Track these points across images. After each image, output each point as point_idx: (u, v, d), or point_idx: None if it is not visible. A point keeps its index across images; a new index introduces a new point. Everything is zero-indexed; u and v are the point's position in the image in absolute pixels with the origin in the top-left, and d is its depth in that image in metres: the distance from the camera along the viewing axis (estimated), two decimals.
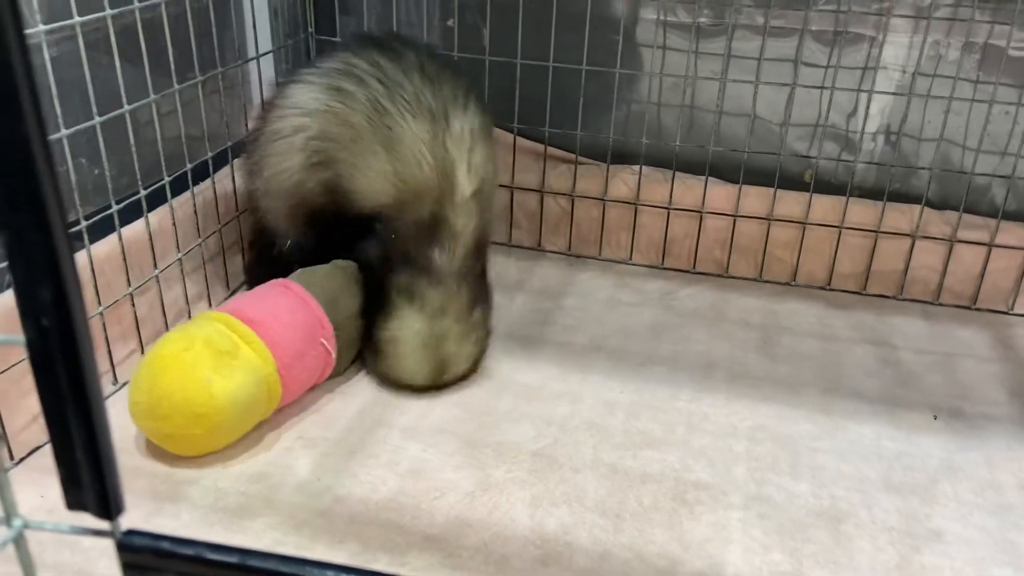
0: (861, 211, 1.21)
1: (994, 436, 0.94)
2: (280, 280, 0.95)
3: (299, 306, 0.92)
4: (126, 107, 0.93)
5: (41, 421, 0.36)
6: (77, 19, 0.85)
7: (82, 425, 0.36)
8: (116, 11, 0.90)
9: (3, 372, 0.82)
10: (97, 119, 0.89)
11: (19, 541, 0.39)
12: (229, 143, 1.16)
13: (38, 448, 0.85)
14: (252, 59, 1.18)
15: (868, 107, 1.20)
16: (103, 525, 0.38)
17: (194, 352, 0.82)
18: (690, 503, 0.82)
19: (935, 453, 0.91)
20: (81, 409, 0.36)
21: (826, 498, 0.84)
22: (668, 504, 0.82)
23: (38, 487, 0.79)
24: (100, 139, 0.90)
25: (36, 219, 0.32)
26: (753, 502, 0.83)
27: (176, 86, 1.01)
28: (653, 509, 0.81)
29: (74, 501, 0.38)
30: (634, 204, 1.27)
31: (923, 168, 1.21)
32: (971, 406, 0.99)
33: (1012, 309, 1.20)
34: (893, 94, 1.18)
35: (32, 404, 0.83)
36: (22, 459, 0.84)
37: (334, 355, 0.94)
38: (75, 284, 0.34)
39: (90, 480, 0.37)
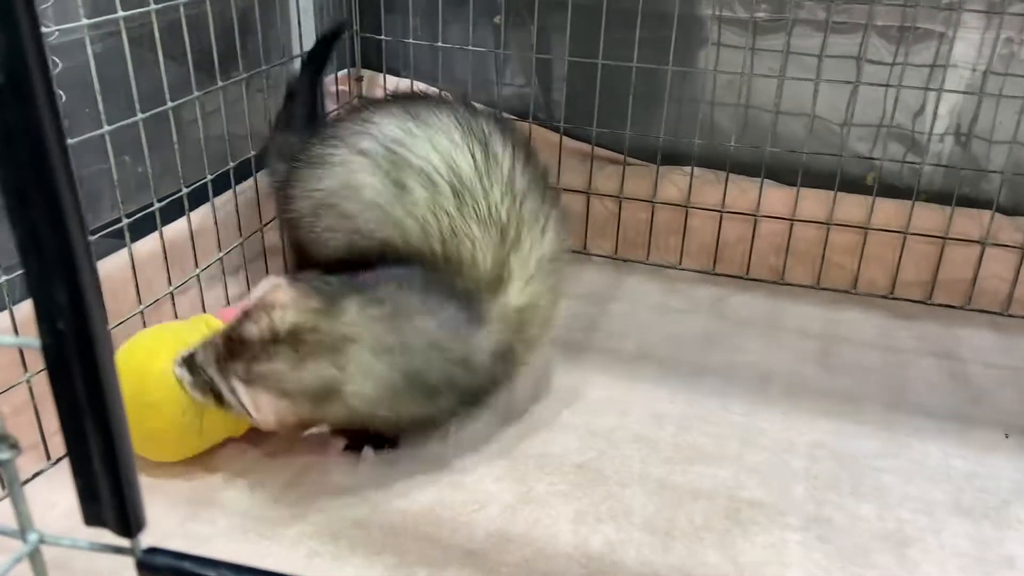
0: (927, 216, 1.15)
1: None
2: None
3: None
4: (169, 104, 0.91)
5: None
6: (120, 13, 0.84)
7: (100, 436, 0.34)
8: (160, 6, 0.89)
9: (41, 371, 0.81)
10: (140, 116, 0.88)
11: (34, 556, 0.37)
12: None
13: None
14: (296, 56, 1.16)
15: (937, 106, 1.14)
16: (123, 542, 0.36)
17: (159, 343, 0.81)
18: (744, 523, 0.78)
19: (1006, 474, 0.85)
20: (99, 418, 0.33)
21: (891, 521, 0.79)
22: (721, 523, 0.78)
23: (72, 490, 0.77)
24: (143, 136, 0.89)
25: (50, 215, 0.29)
26: (812, 523, 0.78)
27: (220, 83, 0.99)
28: (704, 528, 0.77)
29: (92, 516, 0.36)
30: (685, 207, 1.23)
31: (994, 172, 1.14)
32: None
33: None
34: (963, 93, 1.12)
35: None
36: (59, 459, 0.83)
37: None
38: (93, 285, 0.31)
39: (108, 494, 0.35)
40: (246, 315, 0.76)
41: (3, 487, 0.79)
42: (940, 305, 1.17)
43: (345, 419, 0.79)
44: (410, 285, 0.82)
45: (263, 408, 0.74)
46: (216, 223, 1.03)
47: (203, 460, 0.84)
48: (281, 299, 0.76)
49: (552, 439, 0.89)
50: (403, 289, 0.81)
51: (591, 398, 0.96)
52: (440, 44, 1.27)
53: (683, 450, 0.88)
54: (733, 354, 1.05)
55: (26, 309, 0.81)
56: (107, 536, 0.36)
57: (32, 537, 0.36)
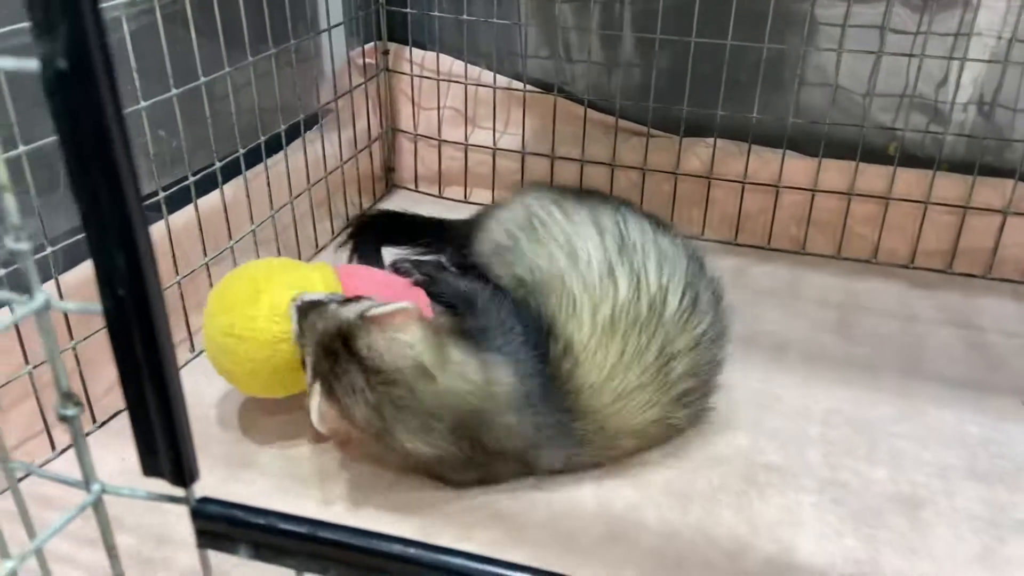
0: (949, 186, 1.16)
1: None
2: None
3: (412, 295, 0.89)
4: (202, 79, 0.94)
5: None
6: None
7: (157, 393, 0.37)
8: None
9: (87, 338, 0.84)
10: (174, 91, 0.91)
11: (97, 505, 0.40)
12: (302, 115, 1.17)
13: (119, 413, 0.88)
14: (324, 31, 1.18)
15: (960, 76, 1.14)
16: (178, 492, 0.39)
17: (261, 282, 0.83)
18: (760, 485, 0.81)
19: (1022, 440, 0.87)
20: (156, 377, 0.36)
21: (904, 484, 0.81)
22: (737, 486, 0.80)
23: (119, 451, 0.81)
24: (177, 111, 0.92)
25: (110, 187, 0.32)
26: (827, 486, 0.80)
27: (250, 58, 1.02)
28: (722, 490, 0.80)
29: (150, 468, 0.39)
30: (707, 178, 1.24)
31: (1018, 141, 1.14)
32: None
33: None
34: (987, 62, 1.12)
35: (114, 370, 0.86)
36: (104, 423, 0.88)
37: None
38: (149, 253, 0.34)
39: (165, 448, 0.38)
40: (370, 320, 0.74)
41: (52, 448, 0.83)
42: (961, 274, 1.18)
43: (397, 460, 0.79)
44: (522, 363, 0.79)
45: (322, 417, 0.74)
46: (248, 195, 1.06)
47: (239, 425, 0.87)
48: (408, 337, 0.74)
49: None
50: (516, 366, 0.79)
51: None
52: (465, 17, 1.28)
53: (701, 416, 0.90)
54: (752, 323, 1.06)
55: (69, 278, 0.85)
56: (164, 487, 0.39)
57: (96, 487, 0.39)
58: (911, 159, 1.18)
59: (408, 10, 1.32)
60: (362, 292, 0.82)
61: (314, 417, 0.74)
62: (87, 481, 0.39)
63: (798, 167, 1.21)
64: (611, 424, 0.79)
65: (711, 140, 1.24)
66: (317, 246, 1.23)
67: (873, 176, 1.18)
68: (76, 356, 0.83)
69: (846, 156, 1.18)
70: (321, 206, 1.25)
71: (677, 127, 1.25)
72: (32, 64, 0.29)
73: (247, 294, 0.82)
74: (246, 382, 0.85)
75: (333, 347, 0.74)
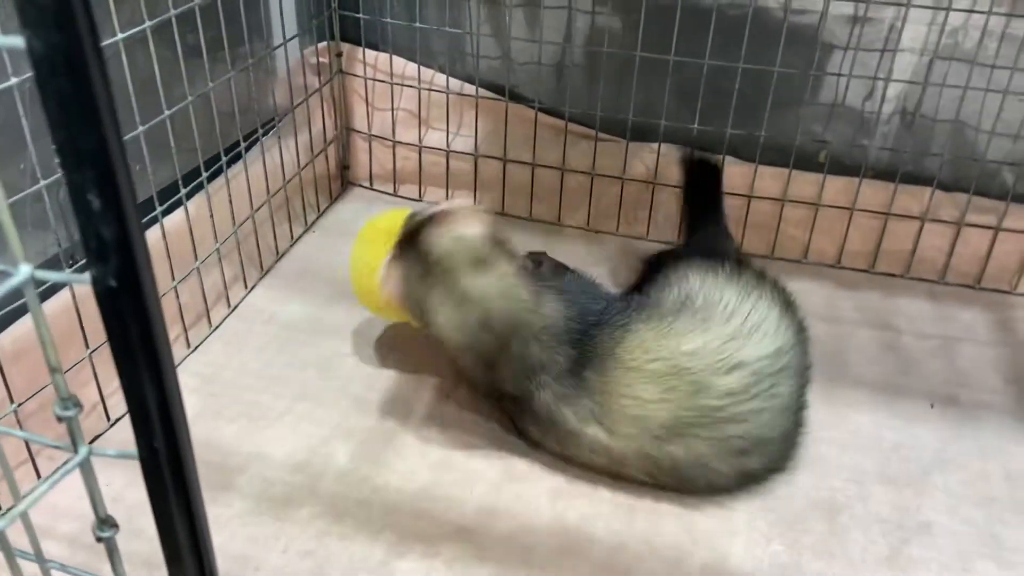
0: (873, 192, 1.25)
1: (986, 425, 1.00)
2: None
3: None
4: (166, 112, 0.96)
5: None
6: (148, 23, 0.88)
7: (185, 518, 0.42)
8: (179, 10, 0.93)
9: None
10: (141, 128, 0.93)
11: (85, 465, 0.42)
12: (259, 123, 1.19)
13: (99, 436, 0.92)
14: (280, 46, 1.20)
15: (885, 91, 1.22)
16: None
17: None
18: (698, 496, 0.89)
19: (930, 444, 0.97)
20: (184, 504, 0.42)
21: (825, 490, 0.91)
22: (678, 497, 0.89)
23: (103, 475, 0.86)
24: (143, 143, 0.94)
25: (158, 387, 0.37)
26: (758, 494, 0.90)
27: (210, 82, 1.04)
28: (665, 501, 0.88)
29: (176, 573, 0.45)
30: (652, 183, 1.30)
31: (935, 154, 1.23)
32: (967, 394, 1.05)
33: (1015, 289, 1.24)
34: (909, 82, 1.20)
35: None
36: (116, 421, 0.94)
37: None
38: (185, 429, 0.39)
39: (190, 557, 0.44)
40: (435, 216, 0.89)
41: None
42: (882, 274, 1.28)
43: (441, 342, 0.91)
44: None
45: (386, 282, 0.89)
46: (211, 212, 1.09)
47: (218, 448, 0.93)
48: (467, 231, 0.88)
49: None
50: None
51: None
52: (418, 25, 1.31)
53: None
54: None
55: None
56: None
57: (83, 449, 0.40)
58: (839, 167, 1.26)
59: (361, 15, 1.33)
60: None
61: (381, 277, 0.89)
62: (75, 443, 0.41)
63: (736, 173, 1.28)
64: (619, 411, 0.85)
65: (655, 145, 1.30)
66: (278, 252, 1.27)
67: (804, 183, 1.26)
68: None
69: (780, 163, 1.26)
70: (280, 210, 1.28)
71: (624, 131, 1.30)
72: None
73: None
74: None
75: (406, 241, 0.89)
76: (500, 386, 0.91)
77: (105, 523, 0.43)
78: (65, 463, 0.40)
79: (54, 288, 0.90)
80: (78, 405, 0.40)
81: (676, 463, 0.85)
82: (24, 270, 0.35)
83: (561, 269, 1.13)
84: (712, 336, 0.87)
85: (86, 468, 0.41)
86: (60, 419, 0.39)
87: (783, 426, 0.88)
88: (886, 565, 0.82)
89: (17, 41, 0.30)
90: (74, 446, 0.41)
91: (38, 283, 0.36)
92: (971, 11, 1.14)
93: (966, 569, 0.82)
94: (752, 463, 0.88)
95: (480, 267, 0.87)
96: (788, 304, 0.96)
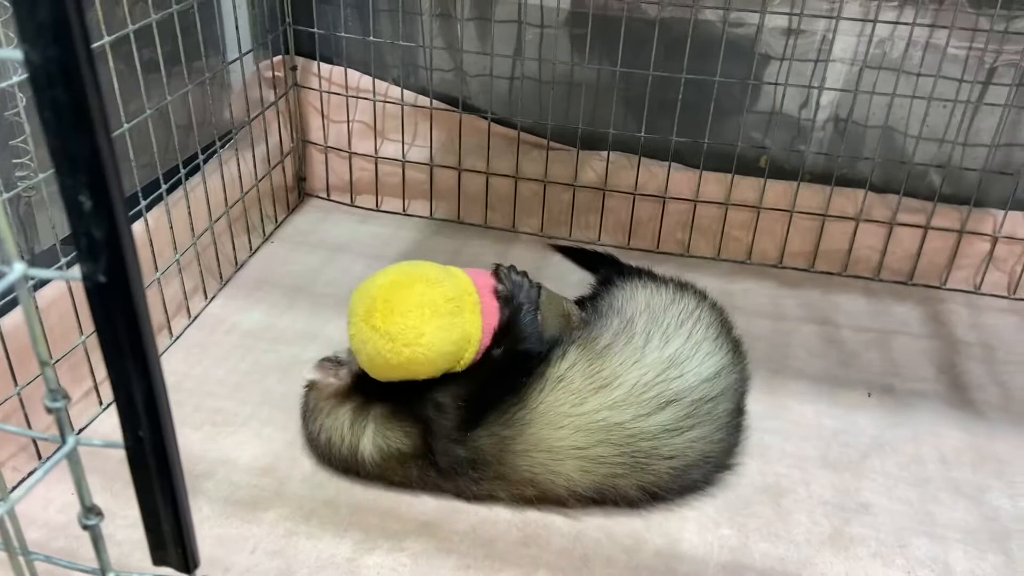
0: (810, 195, 1.31)
1: (920, 412, 1.06)
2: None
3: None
4: (125, 126, 0.98)
5: None
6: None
7: (170, 506, 0.45)
8: (137, 26, 0.95)
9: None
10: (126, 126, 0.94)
11: (72, 456, 0.45)
12: (216, 136, 1.21)
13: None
14: (235, 60, 1.22)
15: (819, 99, 1.28)
16: None
17: (428, 296, 0.88)
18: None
19: (867, 430, 1.03)
20: (168, 492, 0.45)
21: (770, 475, 0.96)
22: None
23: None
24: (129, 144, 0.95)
25: (146, 387, 0.40)
26: (707, 481, 0.94)
27: (166, 90, 1.05)
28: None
29: (159, 559, 0.47)
30: (602, 189, 1.35)
31: (866, 158, 1.30)
32: (902, 383, 1.11)
33: (944, 284, 1.31)
34: (841, 90, 1.27)
35: None
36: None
37: None
38: (165, 398, 0.42)
39: (173, 545, 0.46)
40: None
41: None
42: (821, 272, 1.34)
43: None
44: None
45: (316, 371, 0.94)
46: (171, 224, 1.10)
47: (185, 455, 0.94)
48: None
49: None
50: None
51: None
52: (372, 39, 1.34)
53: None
54: None
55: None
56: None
57: (71, 440, 0.43)
58: (778, 172, 1.33)
59: (315, 30, 1.36)
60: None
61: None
62: (63, 435, 0.42)
63: (682, 179, 1.33)
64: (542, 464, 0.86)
65: (604, 154, 1.35)
66: (237, 263, 1.29)
67: (746, 187, 1.32)
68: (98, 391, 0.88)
69: (723, 169, 1.32)
70: (238, 221, 1.30)
71: (574, 140, 1.35)
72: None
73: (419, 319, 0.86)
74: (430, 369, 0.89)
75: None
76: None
77: (91, 511, 0.45)
78: (55, 452, 0.42)
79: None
80: (66, 397, 0.42)
81: (610, 498, 0.88)
82: (18, 268, 0.37)
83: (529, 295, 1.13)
84: (646, 368, 0.87)
85: (73, 458, 0.44)
86: (49, 410, 0.41)
87: (722, 441, 0.91)
88: (828, 543, 0.87)
89: (15, 54, 0.33)
90: (61, 436, 0.43)
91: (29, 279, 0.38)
92: (897, 23, 1.21)
93: (902, 545, 0.88)
94: (693, 476, 0.90)
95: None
96: (724, 323, 1.00)
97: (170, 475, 0.44)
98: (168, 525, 0.46)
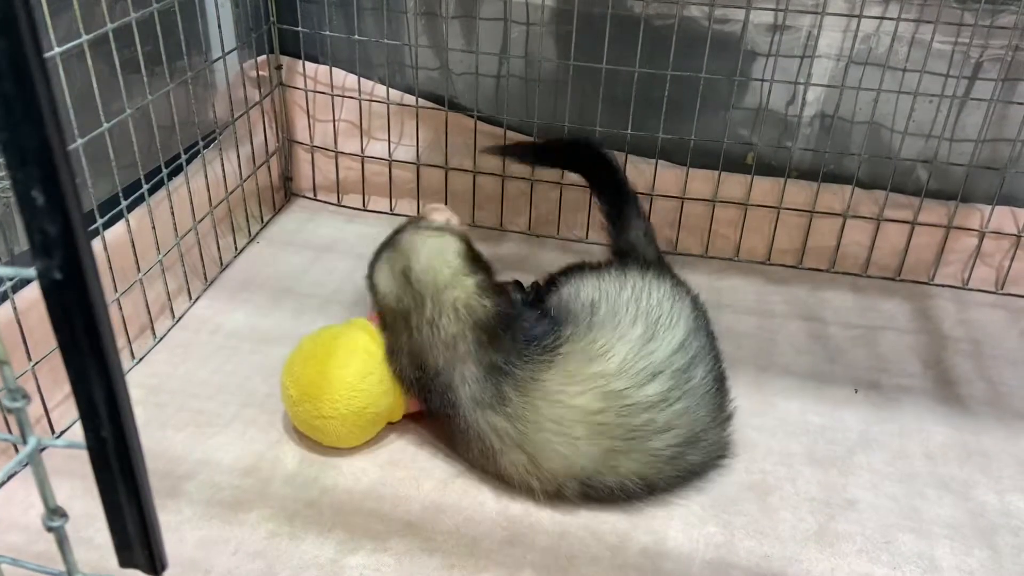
0: (797, 192, 1.31)
1: (906, 408, 1.06)
2: None
3: None
4: (104, 125, 0.97)
5: None
6: (85, 37, 0.89)
7: (133, 503, 0.44)
8: (117, 24, 0.94)
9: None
10: (80, 142, 0.94)
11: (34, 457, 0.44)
12: (199, 136, 1.20)
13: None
14: (218, 59, 1.21)
15: (805, 95, 1.28)
16: None
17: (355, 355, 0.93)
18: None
19: (854, 426, 1.03)
20: (132, 492, 0.44)
21: (757, 473, 0.95)
22: None
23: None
24: (82, 156, 0.95)
25: (106, 386, 0.39)
26: (693, 480, 0.94)
27: (148, 95, 1.05)
28: None
29: (126, 560, 0.47)
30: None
31: (853, 153, 1.30)
32: (888, 379, 1.11)
33: (932, 280, 1.31)
34: (827, 86, 1.26)
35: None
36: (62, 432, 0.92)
37: None
38: (128, 407, 0.41)
39: (139, 545, 0.46)
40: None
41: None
42: (809, 269, 1.34)
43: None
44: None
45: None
46: (153, 225, 1.09)
47: (164, 456, 0.94)
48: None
49: None
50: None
51: None
52: (357, 37, 1.33)
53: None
54: None
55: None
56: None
57: (32, 441, 0.43)
58: (765, 168, 1.32)
59: (300, 29, 1.35)
60: None
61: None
62: (24, 436, 0.42)
63: (669, 176, 1.33)
64: (545, 443, 0.87)
65: None
66: (222, 263, 1.28)
67: (734, 184, 1.32)
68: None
69: (710, 166, 1.31)
70: (223, 221, 1.29)
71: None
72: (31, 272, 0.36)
73: (318, 378, 0.92)
74: (337, 442, 0.95)
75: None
76: (428, 387, 0.92)
77: (55, 513, 0.44)
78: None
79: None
80: (26, 396, 0.42)
81: (610, 486, 0.88)
82: None
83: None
84: (629, 345, 0.89)
85: (35, 459, 0.43)
86: (8, 410, 0.41)
87: (709, 409, 0.91)
88: (814, 540, 0.87)
89: None
90: (23, 437, 0.42)
91: None
92: (882, 18, 1.21)
93: (888, 541, 0.87)
94: (691, 458, 0.90)
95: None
96: (677, 284, 1.01)
97: (134, 475, 0.43)
98: (133, 526, 0.45)
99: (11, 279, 0.91)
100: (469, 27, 1.33)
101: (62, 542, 0.46)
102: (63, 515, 0.45)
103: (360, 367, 0.92)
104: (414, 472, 0.93)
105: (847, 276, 1.33)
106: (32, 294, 0.95)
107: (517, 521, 0.88)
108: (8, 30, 0.32)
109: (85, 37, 0.92)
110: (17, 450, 0.91)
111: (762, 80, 1.27)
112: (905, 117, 1.26)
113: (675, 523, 0.88)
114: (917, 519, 0.90)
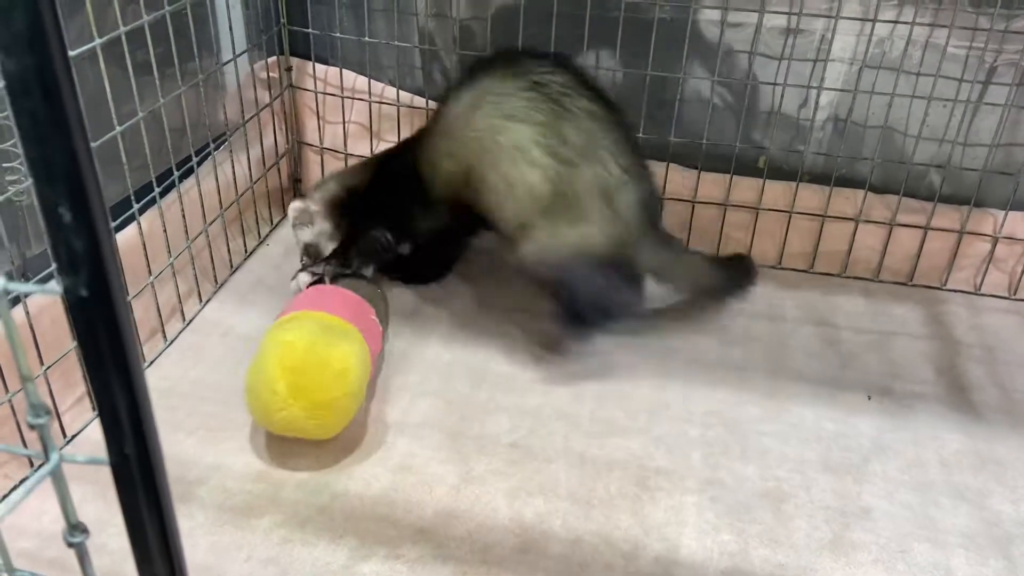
0: (809, 196, 1.30)
1: (920, 414, 1.05)
2: (320, 286, 1.10)
3: (343, 296, 1.04)
4: (117, 128, 0.97)
5: None
6: (98, 40, 0.88)
7: (156, 522, 0.44)
8: (128, 28, 0.94)
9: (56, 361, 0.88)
10: (92, 145, 0.93)
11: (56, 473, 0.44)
12: (210, 137, 1.20)
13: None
14: (229, 61, 1.21)
15: (818, 99, 1.27)
16: None
17: (312, 332, 0.94)
18: (651, 489, 0.93)
19: (868, 433, 1.02)
20: (155, 508, 0.44)
21: (771, 480, 0.95)
22: (632, 490, 0.92)
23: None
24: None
25: (129, 392, 0.39)
26: (707, 486, 0.93)
27: (159, 92, 1.04)
28: (619, 496, 0.92)
29: (146, 574, 0.46)
30: None
31: (866, 158, 1.29)
32: (902, 385, 1.10)
33: (944, 285, 1.31)
34: (840, 90, 1.26)
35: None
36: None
37: (383, 328, 1.08)
38: (155, 436, 0.41)
39: (161, 561, 0.45)
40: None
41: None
42: (820, 274, 1.33)
43: None
44: None
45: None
46: (164, 227, 1.09)
47: (176, 460, 0.93)
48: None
49: (487, 420, 1.01)
50: None
51: (519, 379, 1.08)
52: (367, 39, 1.33)
53: (600, 424, 1.02)
54: (642, 327, 1.18)
55: None
56: None
57: (54, 456, 0.43)
58: (777, 172, 1.32)
59: (310, 31, 1.35)
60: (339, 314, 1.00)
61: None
62: (46, 452, 0.42)
63: (680, 179, 1.32)
64: None
65: None
66: (232, 266, 1.28)
67: (745, 188, 1.31)
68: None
69: (722, 169, 1.31)
70: (233, 223, 1.29)
71: None
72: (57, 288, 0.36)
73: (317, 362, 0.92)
74: (338, 426, 0.96)
75: None
76: None
77: (76, 528, 0.44)
78: (39, 468, 0.42)
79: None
80: (48, 412, 0.41)
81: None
82: None
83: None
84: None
85: (57, 474, 0.43)
86: (32, 427, 0.40)
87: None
88: (829, 549, 0.87)
89: None
90: (45, 453, 0.42)
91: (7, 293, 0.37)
92: (896, 22, 1.20)
93: (904, 550, 0.87)
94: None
95: None
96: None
97: (156, 491, 0.43)
98: (155, 541, 0.45)
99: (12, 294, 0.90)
100: (480, 29, 1.33)
101: (83, 558, 0.46)
102: (84, 531, 0.45)
103: (346, 347, 0.94)
104: (425, 477, 0.93)
105: (859, 281, 1.32)
106: (43, 299, 0.95)
107: (530, 528, 0.88)
108: (36, 47, 0.32)
109: (98, 40, 0.92)
110: (31, 463, 0.91)
111: (775, 84, 1.26)
112: (919, 121, 1.25)
113: (688, 531, 0.88)
114: (932, 528, 0.90)
